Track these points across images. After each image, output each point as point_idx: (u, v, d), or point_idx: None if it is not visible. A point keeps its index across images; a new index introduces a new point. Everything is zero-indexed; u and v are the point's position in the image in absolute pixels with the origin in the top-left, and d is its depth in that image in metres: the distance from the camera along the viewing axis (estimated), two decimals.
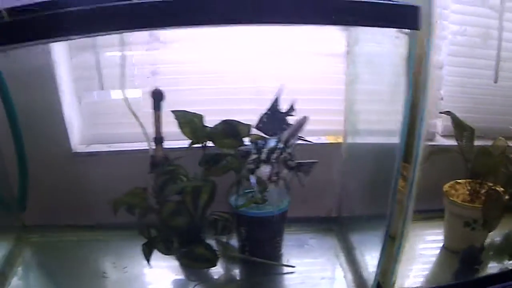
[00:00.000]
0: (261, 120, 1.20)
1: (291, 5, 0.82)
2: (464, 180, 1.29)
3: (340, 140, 1.40)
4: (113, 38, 1.30)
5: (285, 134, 1.04)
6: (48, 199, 1.41)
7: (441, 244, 1.34)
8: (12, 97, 1.21)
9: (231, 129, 1.13)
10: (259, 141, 1.04)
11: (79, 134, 1.47)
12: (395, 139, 1.05)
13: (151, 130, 1.29)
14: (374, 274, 1.16)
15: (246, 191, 1.27)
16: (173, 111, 1.15)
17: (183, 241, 1.22)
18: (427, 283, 1.24)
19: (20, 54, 1.02)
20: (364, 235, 1.32)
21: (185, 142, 1.34)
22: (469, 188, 1.26)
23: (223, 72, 1.32)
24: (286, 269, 1.29)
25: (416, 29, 0.89)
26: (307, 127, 1.09)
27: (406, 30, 0.90)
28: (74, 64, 1.38)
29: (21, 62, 1.20)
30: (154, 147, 1.30)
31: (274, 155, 1.01)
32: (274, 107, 1.20)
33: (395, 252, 1.13)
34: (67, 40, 1.18)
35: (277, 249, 1.33)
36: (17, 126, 1.27)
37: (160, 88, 1.25)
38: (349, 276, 1.26)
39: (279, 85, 1.18)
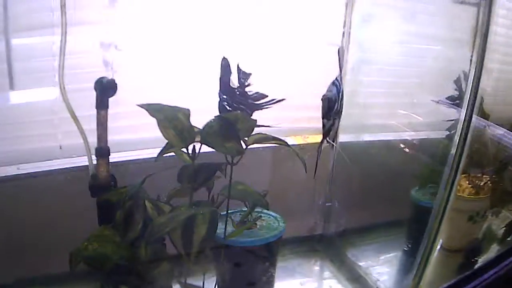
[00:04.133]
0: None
1: None
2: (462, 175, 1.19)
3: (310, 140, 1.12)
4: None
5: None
6: None
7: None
8: None
9: (231, 127, 0.81)
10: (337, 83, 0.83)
11: None
12: (433, 134, 0.89)
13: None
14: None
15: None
16: (144, 106, 0.79)
17: None
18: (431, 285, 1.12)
19: None
20: (367, 248, 1.14)
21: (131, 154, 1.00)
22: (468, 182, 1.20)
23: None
24: None
25: None
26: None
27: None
28: None
29: None
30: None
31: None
32: (225, 85, 0.90)
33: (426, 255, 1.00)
34: None
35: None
36: None
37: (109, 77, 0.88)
38: None
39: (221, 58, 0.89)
